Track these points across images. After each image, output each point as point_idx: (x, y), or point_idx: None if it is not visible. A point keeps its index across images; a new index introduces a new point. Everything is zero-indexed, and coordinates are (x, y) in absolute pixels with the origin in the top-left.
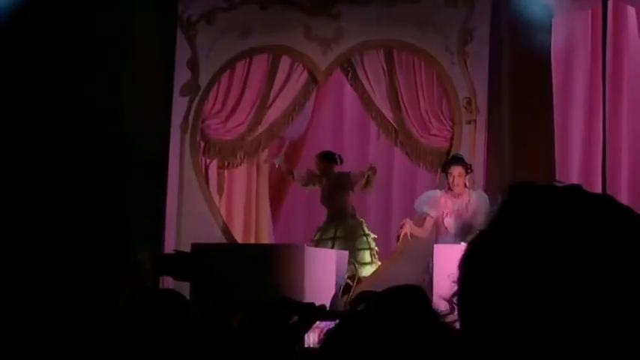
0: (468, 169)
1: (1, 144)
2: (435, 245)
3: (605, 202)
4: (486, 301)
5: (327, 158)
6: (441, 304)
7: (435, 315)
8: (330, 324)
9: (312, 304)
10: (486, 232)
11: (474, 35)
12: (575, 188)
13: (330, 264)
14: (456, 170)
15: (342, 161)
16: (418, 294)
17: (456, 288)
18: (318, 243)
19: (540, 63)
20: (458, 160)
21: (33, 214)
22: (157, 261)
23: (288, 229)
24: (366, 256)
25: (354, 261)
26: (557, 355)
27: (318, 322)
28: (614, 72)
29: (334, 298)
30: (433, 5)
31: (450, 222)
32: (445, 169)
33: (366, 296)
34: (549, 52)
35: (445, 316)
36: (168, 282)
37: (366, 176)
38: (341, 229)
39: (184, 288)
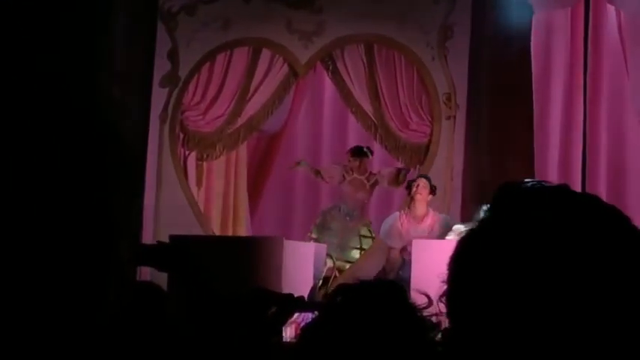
0: (432, 188)
1: None
2: (414, 240)
3: (592, 202)
4: (476, 300)
5: (359, 154)
6: (418, 298)
7: (412, 308)
8: (308, 316)
9: (291, 295)
10: (475, 231)
11: (455, 31)
12: (563, 188)
13: (309, 257)
14: (422, 181)
15: (372, 153)
16: (396, 287)
17: (444, 287)
18: (323, 230)
19: (520, 59)
20: (425, 176)
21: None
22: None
23: (265, 222)
24: (353, 253)
25: (338, 255)
26: (546, 353)
27: (296, 314)
28: (594, 68)
29: (312, 290)
30: (414, 0)
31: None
32: (410, 184)
33: (343, 289)
34: (529, 48)
35: (422, 309)
36: (145, 273)
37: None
38: (345, 224)
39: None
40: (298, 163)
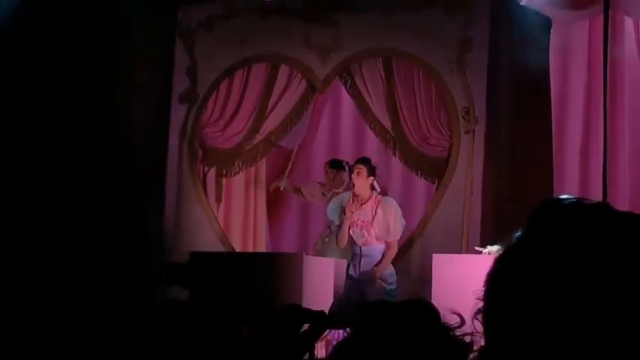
0: (370, 170)
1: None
2: (434, 255)
3: (633, 220)
4: (514, 319)
5: (336, 166)
6: (449, 317)
7: (445, 329)
8: (339, 333)
9: (323, 311)
10: (514, 249)
11: (473, 44)
12: (602, 206)
13: (329, 273)
14: (358, 167)
15: (351, 169)
16: (428, 308)
17: (480, 304)
18: (323, 249)
19: (539, 73)
20: (362, 159)
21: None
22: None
23: (284, 237)
24: None
25: None
26: None
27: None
28: (614, 81)
29: (332, 307)
30: (432, 14)
31: (355, 233)
32: (352, 169)
33: (376, 307)
34: (548, 61)
35: (455, 329)
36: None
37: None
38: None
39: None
40: (279, 182)
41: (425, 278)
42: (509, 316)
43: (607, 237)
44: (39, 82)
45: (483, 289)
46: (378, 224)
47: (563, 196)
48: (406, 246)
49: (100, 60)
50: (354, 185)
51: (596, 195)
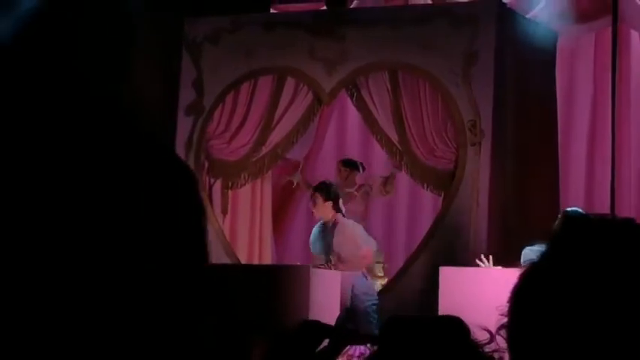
0: (327, 194)
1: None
2: (441, 268)
3: None
4: (538, 334)
5: (350, 165)
6: (479, 334)
7: (474, 345)
8: (360, 349)
9: (344, 326)
10: (539, 265)
11: (479, 57)
12: (630, 222)
13: (335, 285)
14: (315, 195)
15: (364, 169)
16: (457, 323)
17: (504, 320)
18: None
19: (545, 85)
20: (317, 186)
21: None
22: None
23: (290, 249)
24: None
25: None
26: None
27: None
28: (620, 93)
29: (338, 319)
30: (438, 27)
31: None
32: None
33: (400, 322)
34: (554, 74)
35: (484, 345)
36: None
37: (386, 177)
38: None
39: None
40: (293, 177)
41: (432, 291)
42: (534, 332)
43: (636, 254)
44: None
45: (508, 304)
46: (339, 248)
47: (585, 212)
48: (413, 258)
49: (106, 72)
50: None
51: (602, 206)
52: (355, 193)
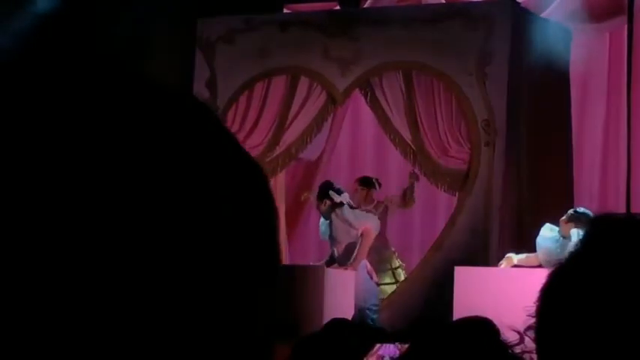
0: (320, 197)
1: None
2: (456, 268)
3: None
4: (566, 335)
5: (368, 184)
6: (508, 334)
7: (504, 346)
8: (389, 348)
9: (371, 326)
10: (567, 264)
11: (493, 57)
12: None
13: (349, 285)
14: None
15: (380, 185)
16: (487, 325)
17: (532, 320)
18: None
19: (559, 84)
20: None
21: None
22: None
23: (304, 250)
24: (389, 289)
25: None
26: None
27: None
28: (636, 92)
29: (352, 319)
30: (452, 27)
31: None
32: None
33: (430, 322)
34: (568, 73)
35: (514, 346)
36: None
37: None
38: (370, 259)
39: None
40: (308, 193)
41: (446, 290)
42: (564, 333)
43: None
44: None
45: (536, 304)
46: (335, 232)
47: (617, 212)
48: (428, 258)
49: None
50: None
51: (617, 204)
52: (373, 210)
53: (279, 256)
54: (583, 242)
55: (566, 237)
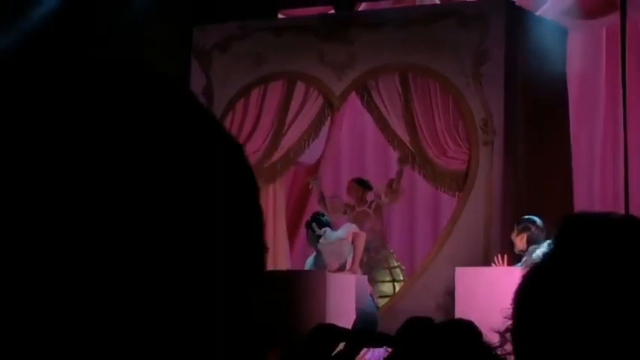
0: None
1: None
2: (457, 268)
3: None
4: (541, 335)
5: (363, 185)
6: (493, 336)
7: (486, 348)
8: (378, 352)
9: (358, 330)
10: (540, 266)
11: (489, 56)
12: (631, 219)
13: (350, 289)
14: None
15: (371, 188)
16: (470, 327)
17: (509, 322)
18: None
19: (556, 81)
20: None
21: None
22: None
23: (305, 255)
24: (386, 288)
25: (374, 292)
26: None
27: (363, 350)
28: (633, 89)
29: (354, 323)
30: (446, 27)
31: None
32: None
33: (416, 325)
34: (565, 71)
35: (497, 348)
36: None
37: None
38: (368, 257)
39: None
40: (312, 180)
41: (447, 291)
42: (539, 334)
43: (634, 251)
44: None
45: (511, 307)
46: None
47: (588, 211)
48: (429, 259)
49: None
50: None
51: (616, 203)
52: (368, 210)
53: (264, 256)
54: (555, 243)
55: (523, 251)
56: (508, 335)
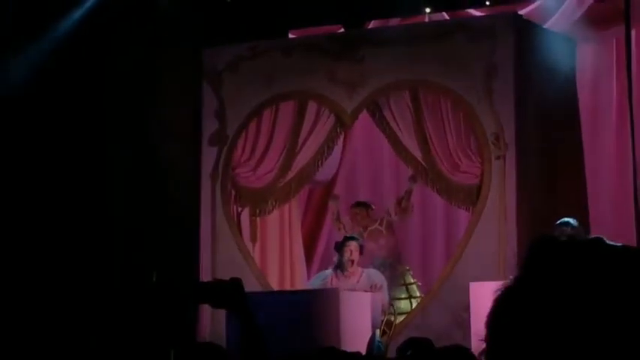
0: (361, 246)
1: (32, 196)
2: (471, 283)
3: (628, 253)
4: (514, 357)
5: (363, 205)
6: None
7: None
8: None
9: (359, 353)
10: (510, 288)
11: (499, 70)
12: (597, 241)
13: (365, 307)
14: (353, 245)
15: (370, 205)
16: (466, 353)
17: (484, 346)
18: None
19: (567, 94)
20: (354, 237)
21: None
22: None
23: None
24: (403, 304)
25: (393, 309)
26: None
27: None
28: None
29: (370, 342)
30: (456, 43)
31: None
32: (340, 248)
33: (415, 345)
34: (575, 83)
35: None
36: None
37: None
38: (385, 273)
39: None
40: (332, 200)
41: (463, 306)
42: (511, 356)
43: (601, 273)
44: (70, 132)
45: (485, 330)
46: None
47: (558, 235)
48: (443, 274)
49: (129, 106)
50: (346, 264)
51: (629, 214)
52: (380, 227)
53: None
54: (525, 266)
55: None
56: (482, 358)
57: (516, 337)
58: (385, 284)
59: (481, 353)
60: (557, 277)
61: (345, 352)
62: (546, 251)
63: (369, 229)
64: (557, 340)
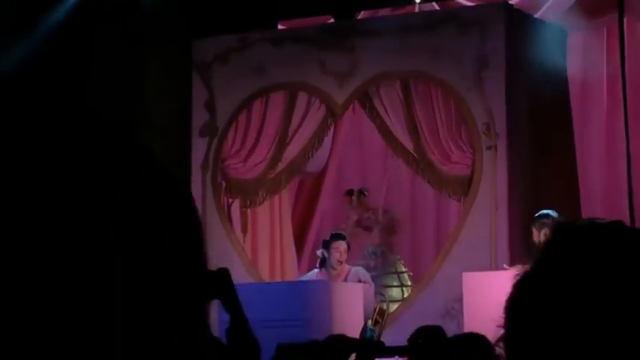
0: (348, 244)
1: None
2: (464, 273)
3: None
4: (535, 345)
5: (350, 193)
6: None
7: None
8: None
9: (369, 340)
10: (530, 274)
11: (489, 60)
12: (617, 224)
13: (357, 298)
14: (342, 246)
15: (363, 192)
16: (481, 339)
17: (502, 332)
18: None
19: (558, 84)
20: (342, 236)
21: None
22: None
23: (312, 265)
24: (395, 292)
25: (385, 297)
26: None
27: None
28: (633, 86)
29: (362, 332)
30: (446, 33)
31: None
32: (327, 246)
33: (427, 335)
34: (566, 73)
35: None
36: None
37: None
38: (376, 262)
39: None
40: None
41: (455, 296)
42: (530, 342)
43: (622, 257)
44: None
45: (503, 316)
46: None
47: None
48: (436, 265)
49: (118, 99)
50: (334, 264)
51: (621, 203)
52: (372, 216)
53: (203, 258)
54: (545, 251)
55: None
56: (501, 344)
57: (535, 323)
58: (370, 279)
59: (499, 339)
60: (577, 262)
61: (356, 340)
62: (565, 236)
63: (364, 216)
64: (577, 326)
